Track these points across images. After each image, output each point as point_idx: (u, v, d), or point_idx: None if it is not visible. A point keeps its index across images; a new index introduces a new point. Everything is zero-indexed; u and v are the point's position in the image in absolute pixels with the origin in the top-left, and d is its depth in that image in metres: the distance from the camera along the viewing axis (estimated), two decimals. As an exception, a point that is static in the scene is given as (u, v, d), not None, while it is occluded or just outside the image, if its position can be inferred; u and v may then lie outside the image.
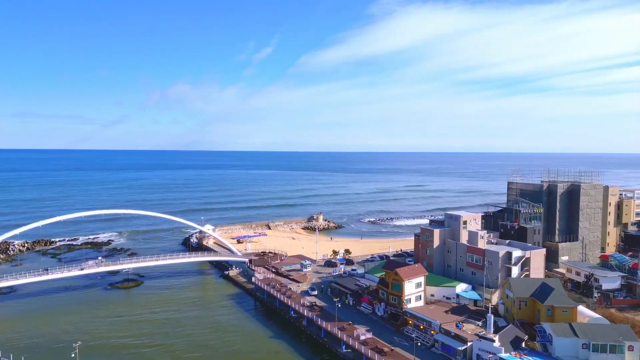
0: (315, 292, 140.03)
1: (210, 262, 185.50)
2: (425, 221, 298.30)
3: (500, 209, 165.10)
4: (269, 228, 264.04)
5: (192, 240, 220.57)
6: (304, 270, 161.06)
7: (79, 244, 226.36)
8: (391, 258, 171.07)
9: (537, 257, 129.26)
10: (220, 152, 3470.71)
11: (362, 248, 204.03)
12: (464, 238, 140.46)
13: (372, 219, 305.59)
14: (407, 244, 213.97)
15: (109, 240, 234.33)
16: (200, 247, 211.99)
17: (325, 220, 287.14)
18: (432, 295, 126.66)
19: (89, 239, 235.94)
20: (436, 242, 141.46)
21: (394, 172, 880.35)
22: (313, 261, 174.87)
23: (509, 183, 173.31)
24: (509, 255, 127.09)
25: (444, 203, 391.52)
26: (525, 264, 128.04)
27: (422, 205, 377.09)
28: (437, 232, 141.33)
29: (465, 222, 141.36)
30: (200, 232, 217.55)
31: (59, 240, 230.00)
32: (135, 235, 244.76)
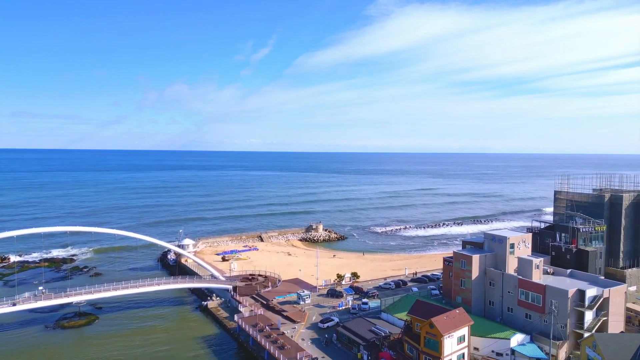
0: (328, 324, 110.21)
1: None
2: (441, 231, 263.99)
3: (548, 225, 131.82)
4: (262, 240, 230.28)
5: (169, 257, 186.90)
6: (302, 303, 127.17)
7: (37, 260, 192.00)
8: (412, 288, 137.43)
9: (617, 296, 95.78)
10: (217, 152, 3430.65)
11: (372, 268, 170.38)
12: (511, 267, 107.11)
13: (379, 229, 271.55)
14: (425, 262, 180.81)
15: (72, 256, 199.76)
16: (178, 266, 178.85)
17: (326, 230, 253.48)
18: (476, 349, 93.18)
19: (49, 254, 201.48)
20: (475, 272, 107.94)
21: (397, 174, 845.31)
22: (313, 288, 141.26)
23: (556, 192, 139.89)
24: (580, 294, 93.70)
25: (463, 210, 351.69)
26: (602, 305, 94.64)
27: (438, 213, 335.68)
28: (476, 259, 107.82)
29: (512, 246, 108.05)
30: (176, 248, 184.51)
31: (18, 256, 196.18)
32: (104, 250, 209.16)
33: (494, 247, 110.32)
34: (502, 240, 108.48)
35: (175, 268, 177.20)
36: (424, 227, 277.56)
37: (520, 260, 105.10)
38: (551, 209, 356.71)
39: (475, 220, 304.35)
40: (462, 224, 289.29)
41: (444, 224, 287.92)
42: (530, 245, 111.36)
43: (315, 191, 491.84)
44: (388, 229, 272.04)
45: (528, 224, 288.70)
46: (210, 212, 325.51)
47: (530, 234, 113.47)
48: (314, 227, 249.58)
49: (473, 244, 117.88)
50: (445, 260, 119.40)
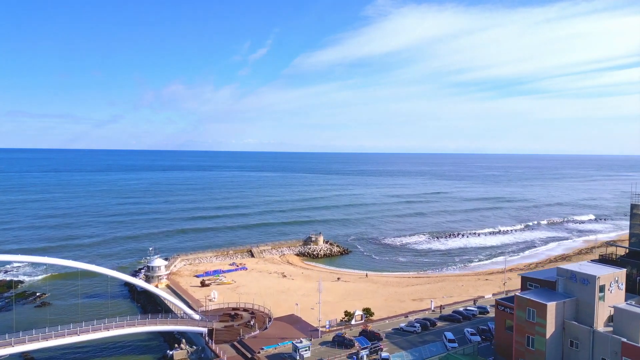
0: None
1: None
2: (459, 243, 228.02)
3: (628, 251, 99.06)
4: (252, 255, 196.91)
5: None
6: (298, 358, 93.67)
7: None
8: (444, 333, 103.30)
9: None
10: (214, 152, 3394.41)
11: (387, 298, 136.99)
12: (602, 319, 74.12)
13: (387, 241, 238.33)
14: (449, 288, 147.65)
15: (22, 278, 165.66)
16: (145, 294, 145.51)
17: (327, 243, 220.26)
18: None
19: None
20: (551, 328, 74.69)
21: (399, 175, 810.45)
22: (314, 331, 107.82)
23: (633, 206, 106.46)
24: None
25: (481, 218, 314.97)
26: None
27: (454, 222, 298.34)
28: (552, 309, 74.58)
29: (602, 288, 75.01)
30: (135, 280, 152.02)
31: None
32: (61, 274, 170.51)
33: (575, 290, 77.18)
34: (587, 280, 75.36)
35: (144, 296, 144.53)
36: (438, 238, 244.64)
37: (618, 311, 72.08)
38: (588, 217, 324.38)
39: (501, 231, 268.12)
40: (479, 235, 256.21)
41: (460, 234, 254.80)
42: (624, 287, 78.46)
43: (314, 195, 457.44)
44: (397, 240, 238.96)
45: (559, 234, 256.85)
46: (196, 221, 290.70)
47: (624, 271, 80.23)
48: (313, 239, 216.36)
49: (539, 283, 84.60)
50: (498, 304, 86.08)
